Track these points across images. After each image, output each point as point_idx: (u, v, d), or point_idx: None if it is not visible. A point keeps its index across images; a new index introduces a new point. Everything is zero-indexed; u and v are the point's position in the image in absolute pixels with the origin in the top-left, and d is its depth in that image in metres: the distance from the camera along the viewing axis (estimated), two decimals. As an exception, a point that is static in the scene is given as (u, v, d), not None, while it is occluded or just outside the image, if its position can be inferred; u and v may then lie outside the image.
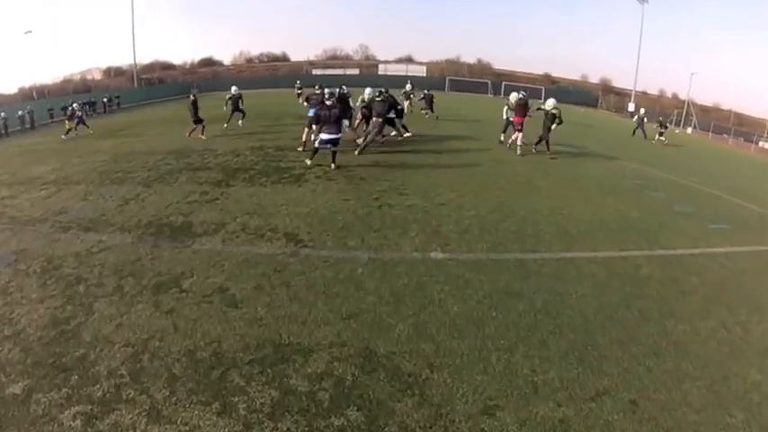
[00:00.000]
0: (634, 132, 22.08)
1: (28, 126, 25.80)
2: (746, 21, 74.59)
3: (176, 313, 4.04)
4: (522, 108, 12.84)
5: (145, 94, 39.68)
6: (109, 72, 54.63)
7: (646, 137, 21.60)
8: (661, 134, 21.09)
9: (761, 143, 29.55)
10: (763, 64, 69.45)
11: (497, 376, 3.35)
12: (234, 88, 15.97)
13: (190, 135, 13.84)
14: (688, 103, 36.83)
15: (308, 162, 9.79)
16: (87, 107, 27.19)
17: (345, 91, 12.67)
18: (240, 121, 15.77)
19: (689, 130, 33.96)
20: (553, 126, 12.45)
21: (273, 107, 22.04)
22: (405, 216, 6.85)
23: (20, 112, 26.03)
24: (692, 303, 4.81)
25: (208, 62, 60.88)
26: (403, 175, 9.43)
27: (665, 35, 74.45)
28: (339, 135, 9.61)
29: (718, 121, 35.17)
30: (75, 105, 19.57)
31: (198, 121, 13.82)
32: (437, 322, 4.02)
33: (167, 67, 58.17)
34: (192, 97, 14.29)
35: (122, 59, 52.52)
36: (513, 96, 14.01)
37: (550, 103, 12.72)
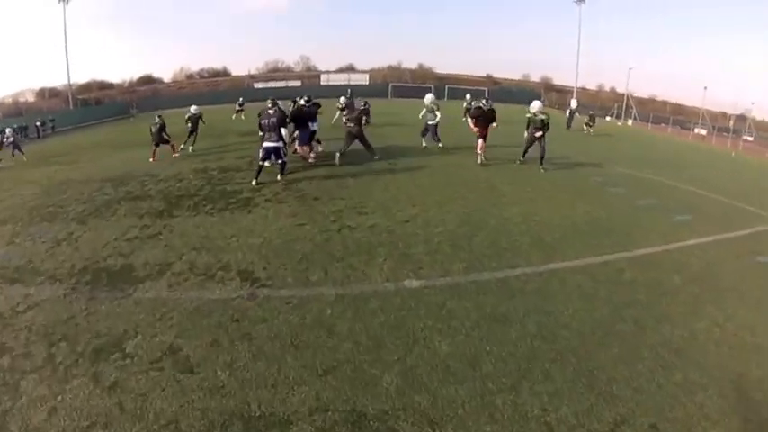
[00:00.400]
0: (570, 125, 23.06)
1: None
2: (680, 15, 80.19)
3: (121, 387, 3.36)
4: (484, 120, 11.37)
5: (81, 116, 36.93)
6: (43, 93, 50.80)
7: (570, 127, 22.63)
8: (588, 125, 21.98)
9: (696, 130, 31.51)
10: (696, 56, 74.87)
11: (507, 423, 2.99)
12: (194, 108, 15.15)
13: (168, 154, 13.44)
14: (627, 97, 38.67)
15: (254, 183, 9.44)
16: (19, 133, 24.93)
17: (303, 104, 11.87)
18: (190, 147, 14.65)
19: (629, 121, 35.61)
20: (537, 134, 10.77)
21: (216, 124, 20.82)
22: (368, 239, 6.36)
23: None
24: (680, 304, 4.76)
25: (147, 80, 57.94)
26: (358, 190, 8.96)
27: (602, 32, 78.81)
28: (278, 144, 9.55)
29: (656, 112, 37.15)
30: (7, 131, 17.90)
31: (165, 141, 13.57)
32: (427, 366, 3.56)
33: (105, 86, 54.95)
34: (157, 119, 13.81)
35: (57, 80, 48.64)
36: (428, 98, 13.37)
37: (536, 107, 10.95)
